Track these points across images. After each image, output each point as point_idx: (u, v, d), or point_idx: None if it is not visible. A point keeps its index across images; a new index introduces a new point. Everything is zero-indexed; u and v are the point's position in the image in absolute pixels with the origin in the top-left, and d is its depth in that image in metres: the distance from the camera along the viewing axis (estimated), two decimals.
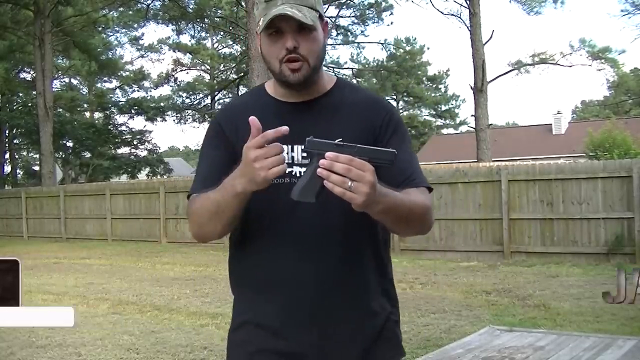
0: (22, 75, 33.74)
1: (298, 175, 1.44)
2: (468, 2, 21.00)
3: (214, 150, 1.54)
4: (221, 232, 1.46)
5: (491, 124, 22.85)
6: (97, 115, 38.68)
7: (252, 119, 1.27)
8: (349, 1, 28.93)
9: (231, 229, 1.47)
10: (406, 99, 45.85)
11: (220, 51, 40.03)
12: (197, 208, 1.45)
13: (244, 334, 1.53)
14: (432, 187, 1.55)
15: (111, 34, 34.35)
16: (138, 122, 59.27)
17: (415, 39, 41.26)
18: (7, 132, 34.63)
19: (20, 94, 33.21)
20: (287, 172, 1.37)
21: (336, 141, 1.26)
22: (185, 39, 38.45)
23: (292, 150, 1.46)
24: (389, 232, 1.56)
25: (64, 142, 33.40)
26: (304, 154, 1.45)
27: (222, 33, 36.71)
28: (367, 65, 39.21)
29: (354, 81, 37.56)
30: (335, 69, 36.35)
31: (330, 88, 1.57)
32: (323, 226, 1.43)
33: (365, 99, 1.57)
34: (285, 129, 1.27)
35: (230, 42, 38.34)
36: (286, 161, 1.34)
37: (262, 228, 1.47)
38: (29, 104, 30.63)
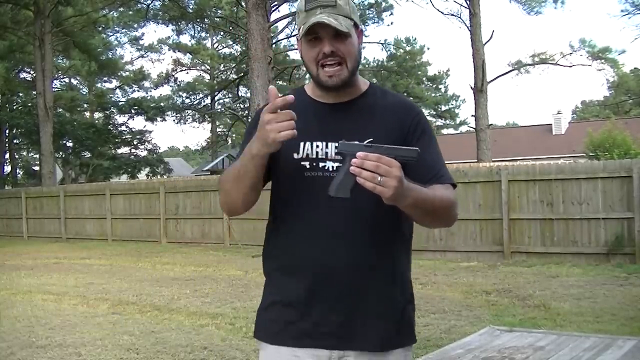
0: (22, 75, 33.76)
1: (331, 169, 1.59)
2: (468, 2, 21.00)
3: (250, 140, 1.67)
4: (244, 199, 1.60)
5: (491, 124, 22.84)
6: (97, 115, 38.69)
7: (271, 88, 1.44)
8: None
9: (254, 197, 1.61)
10: None
11: (220, 51, 40.06)
12: (223, 177, 1.64)
13: (273, 314, 1.66)
14: (456, 184, 1.68)
15: (111, 34, 34.41)
16: (138, 122, 59.39)
17: (415, 39, 41.27)
18: (7, 132, 34.61)
19: (20, 94, 33.21)
20: (321, 166, 1.59)
21: (365, 142, 1.43)
22: (185, 39, 38.58)
23: (327, 147, 1.61)
24: (412, 226, 1.70)
25: (64, 142, 33.41)
26: (337, 150, 1.56)
27: (222, 33, 36.71)
28: (367, 66, 39.17)
29: None
30: None
31: (365, 91, 1.71)
32: (354, 216, 1.56)
33: (396, 102, 1.71)
34: (291, 97, 1.42)
35: (230, 42, 38.37)
36: (320, 156, 1.59)
37: (297, 217, 1.62)
38: (29, 104, 30.63)
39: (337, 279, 1.57)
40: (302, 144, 1.61)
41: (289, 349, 1.61)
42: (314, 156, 1.60)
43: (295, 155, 1.61)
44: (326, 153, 1.60)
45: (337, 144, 1.47)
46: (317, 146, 1.60)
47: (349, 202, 1.47)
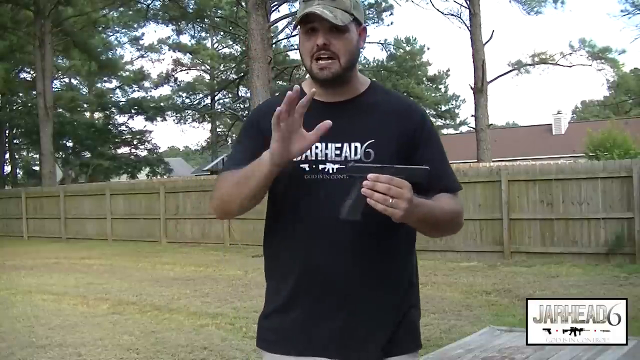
0: (22, 75, 33.74)
1: (331, 171, 1.54)
2: (468, 2, 21.00)
3: (247, 139, 1.65)
4: (240, 204, 1.54)
5: (491, 124, 22.86)
6: (97, 115, 38.68)
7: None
8: None
9: (251, 204, 1.54)
10: None
11: (220, 51, 40.06)
12: (227, 179, 1.56)
13: (273, 322, 1.63)
14: (461, 187, 1.70)
15: (111, 34, 34.40)
16: (138, 122, 59.25)
17: (415, 39, 41.15)
18: (7, 132, 34.63)
19: (20, 94, 33.21)
20: (320, 168, 1.54)
21: (375, 165, 1.40)
22: (185, 39, 38.49)
23: (327, 148, 1.56)
24: (415, 229, 1.65)
25: (64, 142, 33.45)
26: (337, 152, 1.55)
27: (222, 33, 36.69)
28: (367, 65, 39.18)
29: None
30: None
31: (364, 90, 1.64)
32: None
33: (399, 104, 1.65)
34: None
35: (230, 42, 38.36)
36: (320, 158, 1.54)
37: (296, 220, 1.57)
38: (29, 104, 30.64)
39: (335, 285, 1.54)
40: None
41: (289, 358, 1.59)
42: (314, 158, 1.56)
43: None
44: (326, 154, 1.56)
45: (347, 168, 1.45)
46: (317, 147, 1.55)
47: None
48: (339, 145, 1.55)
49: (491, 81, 22.46)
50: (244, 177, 1.49)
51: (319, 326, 1.55)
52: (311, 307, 1.56)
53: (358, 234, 1.52)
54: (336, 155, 1.55)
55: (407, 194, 1.34)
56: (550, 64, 27.21)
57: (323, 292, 1.54)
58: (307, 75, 1.63)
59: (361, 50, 1.65)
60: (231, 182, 1.54)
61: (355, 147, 1.55)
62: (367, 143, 1.55)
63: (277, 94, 1.77)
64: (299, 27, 1.55)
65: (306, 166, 1.56)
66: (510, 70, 27.37)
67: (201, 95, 40.94)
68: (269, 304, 1.66)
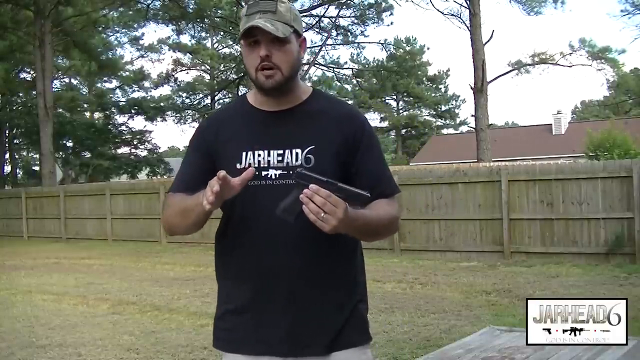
0: (22, 75, 33.72)
1: (274, 177, 1.61)
2: (468, 2, 21.01)
3: (192, 156, 1.75)
4: (184, 230, 1.70)
5: (491, 124, 22.87)
6: (97, 115, 38.67)
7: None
8: (349, 1, 28.90)
9: (195, 229, 1.68)
10: (406, 99, 45.85)
11: (220, 51, 40.03)
12: (171, 205, 1.69)
13: (227, 322, 1.70)
14: (399, 190, 1.74)
15: (111, 34, 34.34)
16: (138, 122, 59.21)
17: (415, 39, 41.19)
18: (7, 132, 34.62)
19: (20, 94, 33.19)
20: (263, 175, 1.61)
21: (321, 177, 1.46)
22: (185, 39, 38.43)
23: (269, 155, 1.63)
24: None
25: (64, 142, 33.42)
26: (279, 158, 1.62)
27: (222, 33, 36.66)
28: (367, 66, 39.19)
29: (354, 81, 37.62)
30: (335, 69, 36.37)
31: (307, 98, 1.71)
32: (298, 224, 1.53)
33: (340, 110, 1.71)
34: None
35: (230, 42, 38.26)
36: (262, 165, 1.61)
37: (243, 226, 1.66)
38: (29, 104, 30.62)
39: (282, 286, 1.60)
40: (244, 153, 1.64)
41: (246, 357, 1.65)
42: (257, 165, 1.62)
43: (238, 166, 1.62)
44: (268, 161, 1.62)
45: (294, 174, 1.50)
46: (259, 155, 1.62)
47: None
48: (280, 151, 1.62)
49: (491, 81, 22.46)
50: (186, 210, 1.61)
51: (269, 326, 1.62)
52: (261, 308, 1.63)
53: (302, 236, 1.57)
54: (278, 161, 1.62)
55: (339, 214, 1.40)
56: (550, 64, 27.19)
57: (271, 293, 1.61)
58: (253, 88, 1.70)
59: (302, 59, 1.71)
60: (176, 211, 1.66)
61: (296, 153, 1.62)
62: (308, 149, 1.62)
63: (222, 106, 1.89)
64: (242, 41, 1.63)
65: None
66: (510, 70, 27.35)
67: (201, 95, 40.93)
68: (221, 305, 1.73)
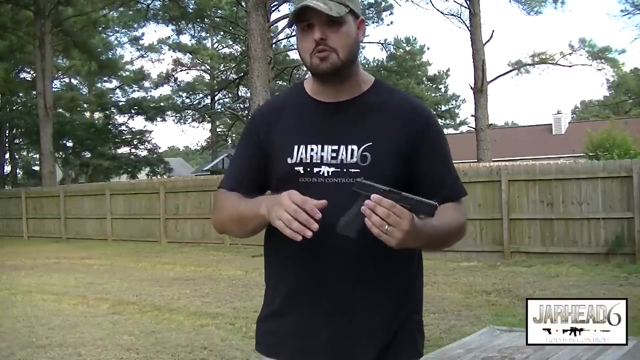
0: (22, 75, 33.73)
1: (326, 174, 1.50)
2: (468, 2, 21.02)
3: (244, 149, 1.64)
4: (240, 236, 1.63)
5: (491, 124, 22.85)
6: (97, 115, 38.67)
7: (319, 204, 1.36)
8: None
9: (252, 235, 1.58)
10: None
11: (220, 51, 40.04)
12: (226, 208, 1.59)
13: (269, 326, 1.62)
14: (466, 192, 1.62)
15: (111, 34, 34.36)
16: (138, 122, 59.24)
17: (415, 39, 41.14)
18: (7, 132, 34.61)
19: (20, 94, 33.20)
20: (315, 171, 1.50)
21: (383, 187, 1.34)
22: (185, 39, 38.49)
23: (323, 150, 1.51)
24: None
25: (64, 142, 33.41)
26: (333, 154, 1.50)
27: (222, 33, 36.69)
28: (367, 65, 39.14)
29: None
30: None
31: (367, 89, 1.58)
32: (358, 236, 1.45)
33: (402, 103, 1.57)
34: (323, 203, 1.36)
35: (230, 42, 38.33)
36: (315, 160, 1.50)
37: None
38: (29, 104, 30.62)
39: (327, 292, 1.50)
40: (296, 147, 1.52)
41: None
42: (308, 161, 1.51)
43: (289, 160, 1.52)
44: (321, 157, 1.50)
45: (354, 184, 1.38)
46: (312, 150, 1.51)
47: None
48: (335, 147, 1.50)
49: (491, 81, 22.47)
50: (243, 220, 1.52)
51: (312, 332, 1.51)
52: (305, 313, 1.53)
53: (354, 239, 1.46)
54: (332, 157, 1.50)
55: (405, 225, 1.30)
56: (550, 64, 27.21)
57: (317, 298, 1.51)
58: (309, 74, 1.60)
59: (361, 43, 1.59)
60: (233, 218, 1.56)
61: (352, 150, 1.49)
62: (365, 146, 1.50)
63: (277, 94, 1.75)
64: (295, 26, 1.51)
65: (301, 169, 1.51)
66: (510, 70, 27.37)
67: (201, 95, 40.93)
68: (265, 307, 1.65)
